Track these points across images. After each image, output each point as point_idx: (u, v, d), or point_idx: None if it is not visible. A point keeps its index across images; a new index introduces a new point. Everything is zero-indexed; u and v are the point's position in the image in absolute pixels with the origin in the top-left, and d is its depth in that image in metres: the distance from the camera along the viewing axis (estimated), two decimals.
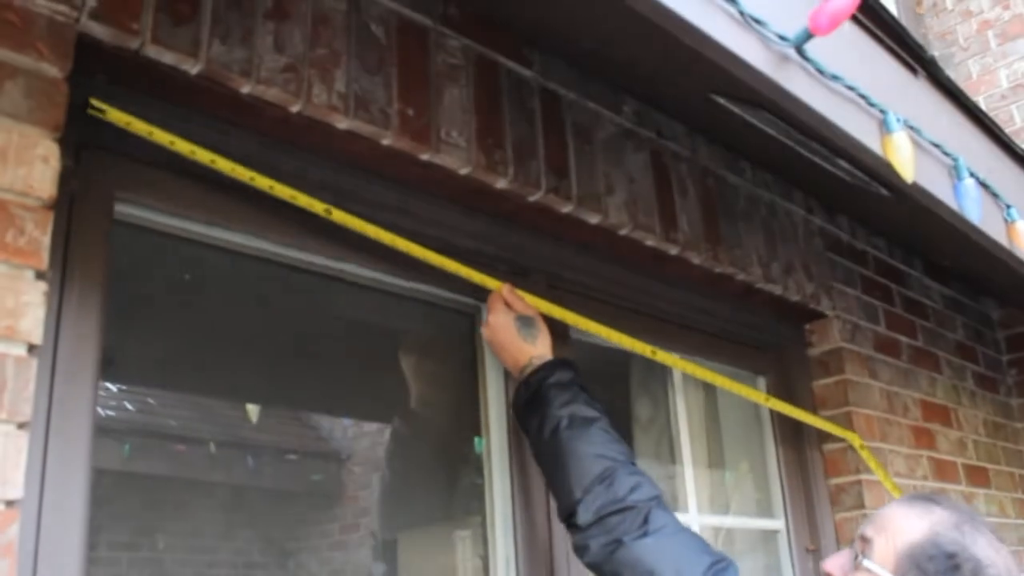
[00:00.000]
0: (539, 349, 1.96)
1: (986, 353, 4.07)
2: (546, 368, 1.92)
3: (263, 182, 1.72)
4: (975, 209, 1.90)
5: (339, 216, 1.81)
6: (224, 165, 1.68)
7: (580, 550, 1.78)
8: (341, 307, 2.43)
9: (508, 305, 2.01)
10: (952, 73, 4.92)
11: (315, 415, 6.61)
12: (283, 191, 1.74)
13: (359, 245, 1.96)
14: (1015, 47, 4.80)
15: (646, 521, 1.72)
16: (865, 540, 1.61)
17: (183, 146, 1.63)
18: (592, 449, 1.81)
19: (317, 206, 1.79)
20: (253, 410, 3.59)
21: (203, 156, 1.66)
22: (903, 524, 1.59)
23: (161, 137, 1.61)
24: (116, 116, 1.57)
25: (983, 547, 1.54)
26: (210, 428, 5.96)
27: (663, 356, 2.31)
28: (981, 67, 4.91)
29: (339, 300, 2.35)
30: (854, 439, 2.81)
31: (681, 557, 1.70)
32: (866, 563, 1.57)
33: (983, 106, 4.76)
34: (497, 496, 2.16)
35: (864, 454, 2.80)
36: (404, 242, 1.92)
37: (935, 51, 5.10)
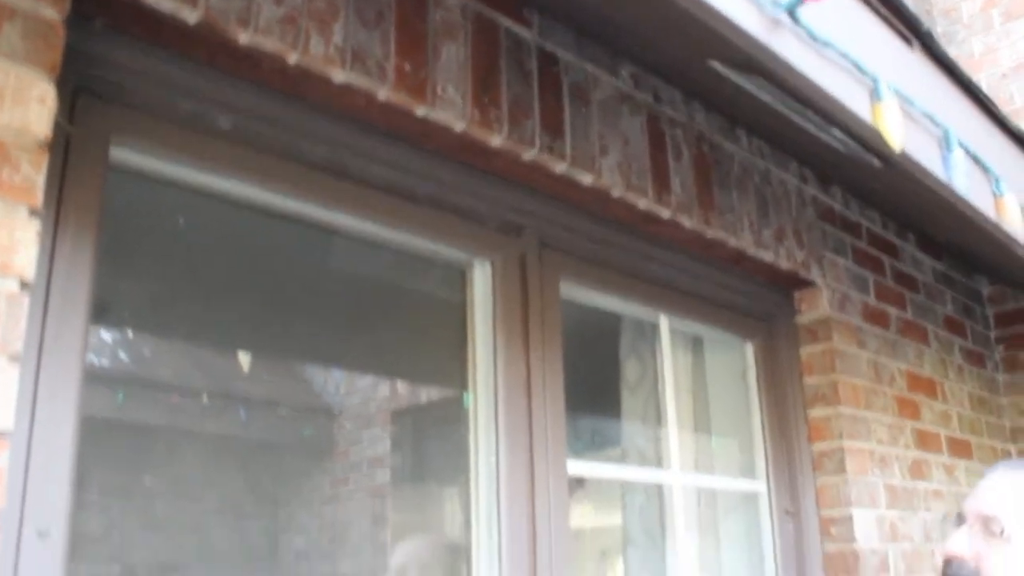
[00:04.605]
0: None
1: (975, 328, 4.10)
2: None
3: None
4: (962, 180, 1.92)
5: None
6: None
7: None
8: (334, 258, 2.45)
9: None
10: (955, 50, 4.92)
11: (308, 370, 6.65)
12: None
13: (355, 197, 1.98)
14: (1018, 27, 4.79)
15: None
16: (986, 516, 1.61)
17: None
18: None
19: None
20: (245, 358, 3.62)
21: None
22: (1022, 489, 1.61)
23: None
24: None
25: None
26: (203, 379, 5.99)
27: None
28: (984, 46, 4.90)
29: (333, 251, 2.37)
30: None
31: None
32: (1010, 534, 1.57)
33: (984, 84, 4.76)
34: (482, 453, 2.18)
35: None
36: None
37: (939, 27, 5.09)
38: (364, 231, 2.09)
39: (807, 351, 3.03)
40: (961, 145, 1.95)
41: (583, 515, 7.12)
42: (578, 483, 5.32)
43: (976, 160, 2.08)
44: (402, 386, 5.49)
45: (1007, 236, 2.24)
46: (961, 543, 1.63)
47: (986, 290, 4.36)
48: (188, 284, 2.83)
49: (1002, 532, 1.58)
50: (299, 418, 6.50)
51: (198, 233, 2.47)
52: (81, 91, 1.59)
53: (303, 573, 6.75)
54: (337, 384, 6.49)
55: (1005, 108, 4.58)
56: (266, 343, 3.80)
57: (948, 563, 1.64)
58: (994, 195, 2.13)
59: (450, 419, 2.39)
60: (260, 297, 2.88)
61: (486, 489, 2.15)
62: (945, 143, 1.92)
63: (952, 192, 1.96)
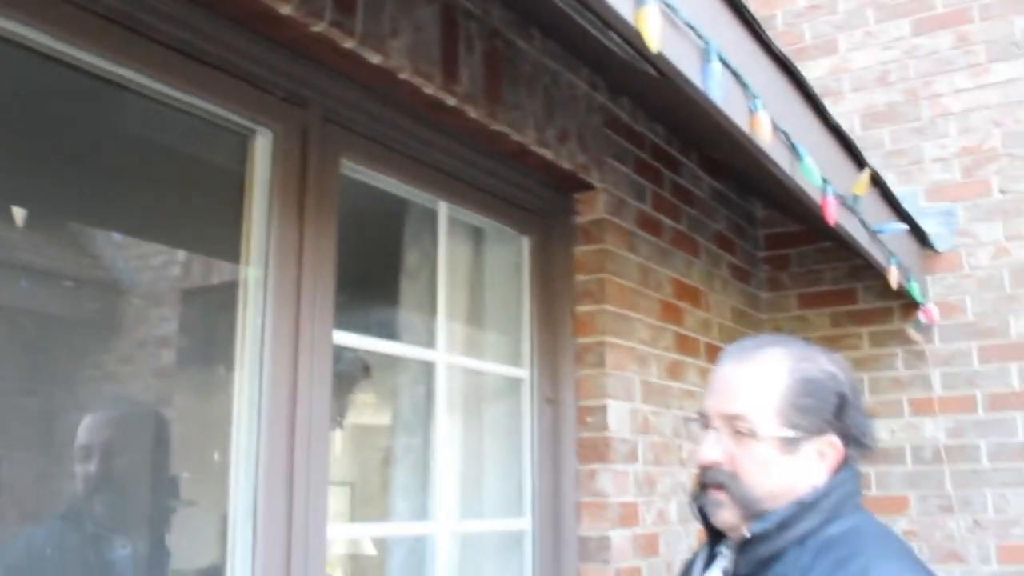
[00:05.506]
0: None
1: (744, 247, 4.39)
2: None
3: None
4: (718, 90, 2.06)
5: None
6: None
7: None
8: (118, 117, 2.41)
9: None
10: None
11: (98, 244, 6.45)
12: None
13: (143, 52, 1.96)
14: None
15: None
16: (730, 416, 1.67)
17: None
18: None
19: None
20: (19, 213, 3.50)
21: None
22: (758, 381, 1.67)
23: None
24: None
25: (827, 362, 1.70)
26: None
27: None
28: None
29: (117, 109, 2.33)
30: None
31: None
32: (756, 431, 1.63)
33: (780, 20, 5.00)
34: (249, 325, 2.20)
35: None
36: None
37: None
38: (150, 89, 2.06)
39: (580, 250, 3.19)
40: (721, 59, 2.10)
41: (369, 408, 7.23)
42: (364, 372, 5.41)
43: (736, 76, 2.23)
44: (193, 265, 5.41)
45: (760, 152, 2.42)
46: (713, 450, 1.67)
47: (759, 212, 4.66)
48: None
49: (750, 430, 1.64)
50: (86, 292, 6.31)
51: None
52: None
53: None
54: (128, 259, 6.32)
55: (795, 45, 4.85)
56: (45, 206, 3.68)
57: (705, 471, 1.69)
58: (750, 111, 2.30)
59: (235, 302, 2.39)
60: (40, 155, 2.79)
61: (251, 359, 2.18)
62: (706, 55, 2.06)
63: (711, 103, 2.10)
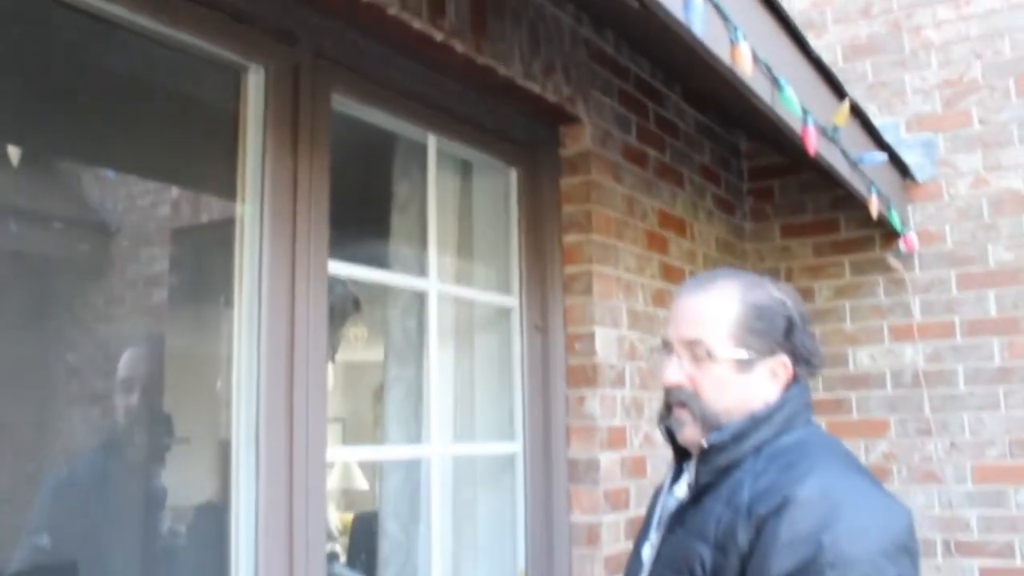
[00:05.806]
0: None
1: (728, 179, 4.45)
2: None
3: None
4: (699, 22, 2.11)
5: None
6: None
7: None
8: (104, 53, 2.44)
9: None
10: None
11: (85, 185, 6.46)
12: None
13: None
14: None
15: None
16: (690, 341, 1.81)
17: None
18: None
19: None
20: (14, 153, 3.52)
21: None
22: (713, 309, 1.82)
23: None
24: None
25: (775, 290, 1.86)
26: None
27: None
28: None
29: (103, 45, 2.36)
30: None
31: None
32: (714, 354, 1.78)
33: None
34: (247, 260, 2.25)
35: None
36: None
37: None
38: (141, 26, 2.08)
39: (567, 182, 3.25)
40: None
41: (360, 343, 7.30)
42: (355, 306, 5.47)
43: (717, 8, 2.28)
44: (183, 205, 5.44)
45: (742, 83, 2.48)
46: (676, 372, 1.83)
47: (743, 145, 4.72)
48: None
49: (708, 353, 1.80)
50: (75, 234, 6.33)
51: None
52: None
53: (73, 390, 6.68)
54: (116, 200, 6.34)
55: None
56: (37, 146, 3.71)
57: (669, 392, 1.85)
58: (731, 42, 2.35)
59: (230, 239, 2.43)
60: (30, 94, 2.81)
61: (249, 294, 2.23)
62: None
63: (691, 34, 2.15)
